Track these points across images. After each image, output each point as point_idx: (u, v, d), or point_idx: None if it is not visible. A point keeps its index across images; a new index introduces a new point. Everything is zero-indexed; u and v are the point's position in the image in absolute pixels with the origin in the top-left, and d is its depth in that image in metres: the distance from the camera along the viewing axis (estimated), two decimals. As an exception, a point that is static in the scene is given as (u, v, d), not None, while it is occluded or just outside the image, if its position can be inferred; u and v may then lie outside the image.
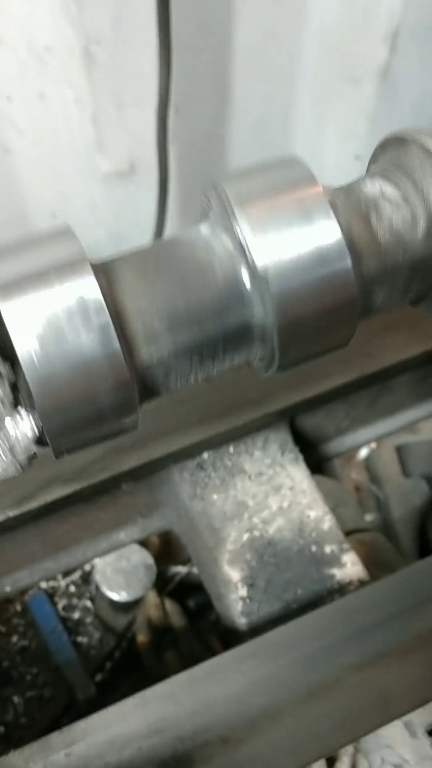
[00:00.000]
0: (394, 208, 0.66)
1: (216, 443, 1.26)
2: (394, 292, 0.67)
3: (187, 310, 0.61)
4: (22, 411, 0.56)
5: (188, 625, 1.51)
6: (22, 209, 2.34)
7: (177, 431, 1.22)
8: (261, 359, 0.66)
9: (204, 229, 0.64)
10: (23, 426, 0.55)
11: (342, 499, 1.55)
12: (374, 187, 0.68)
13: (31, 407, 0.56)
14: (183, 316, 0.61)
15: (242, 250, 0.60)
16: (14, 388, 0.56)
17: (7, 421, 0.55)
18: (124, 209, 2.40)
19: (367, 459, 1.75)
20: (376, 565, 1.35)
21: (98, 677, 1.51)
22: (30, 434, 0.56)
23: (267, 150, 2.57)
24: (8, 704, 1.48)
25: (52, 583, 1.58)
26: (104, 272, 0.60)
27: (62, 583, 1.59)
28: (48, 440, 0.58)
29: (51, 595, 1.58)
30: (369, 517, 1.71)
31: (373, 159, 0.77)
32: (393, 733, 1.15)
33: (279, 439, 1.28)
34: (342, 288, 0.61)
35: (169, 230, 2.33)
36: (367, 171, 0.77)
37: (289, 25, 2.22)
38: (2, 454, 0.56)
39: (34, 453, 0.59)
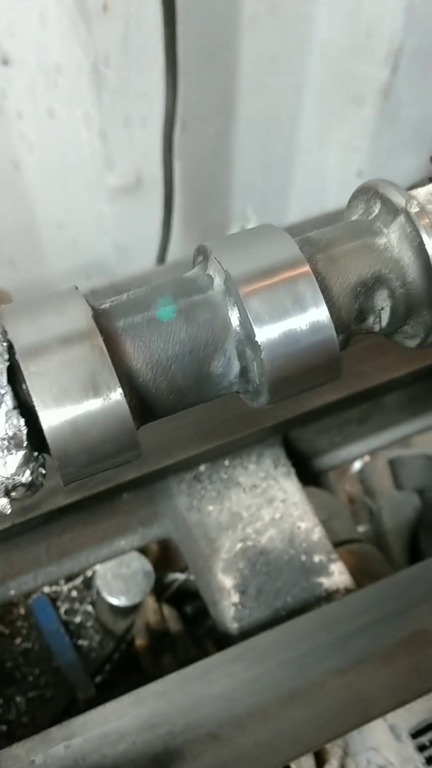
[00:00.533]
0: (385, 302, 0.73)
1: (212, 456, 1.31)
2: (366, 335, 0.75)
3: (191, 367, 0.68)
4: (40, 461, 0.63)
5: (185, 630, 1.56)
6: (31, 221, 2.39)
7: (175, 445, 1.28)
8: (249, 394, 0.73)
9: (215, 302, 0.70)
10: (39, 473, 0.63)
11: (335, 511, 1.59)
12: (373, 268, 0.74)
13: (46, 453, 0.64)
14: (186, 389, 0.69)
15: (249, 336, 0.67)
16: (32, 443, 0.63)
17: (27, 472, 0.63)
18: (130, 222, 2.45)
19: (361, 472, 1.79)
20: (366, 574, 1.40)
21: (98, 678, 1.54)
22: (41, 478, 0.63)
23: (271, 167, 2.61)
24: (11, 703, 1.52)
25: (54, 588, 1.62)
26: (113, 338, 0.66)
27: (64, 588, 1.63)
28: (62, 479, 0.65)
29: (54, 599, 1.62)
30: (362, 529, 1.75)
31: (361, 193, 0.82)
32: (378, 736, 1.20)
33: (272, 454, 1.34)
34: (329, 370, 0.70)
35: (174, 243, 2.37)
36: (351, 206, 0.83)
37: (293, 46, 2.27)
38: (22, 494, 0.63)
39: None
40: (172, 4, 1.76)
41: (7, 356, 0.61)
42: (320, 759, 1.24)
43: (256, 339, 0.66)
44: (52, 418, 0.60)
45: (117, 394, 0.61)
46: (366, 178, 2.33)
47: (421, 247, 0.71)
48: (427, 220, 0.71)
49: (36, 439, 0.62)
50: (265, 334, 0.66)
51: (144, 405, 0.68)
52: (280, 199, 2.74)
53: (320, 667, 1.05)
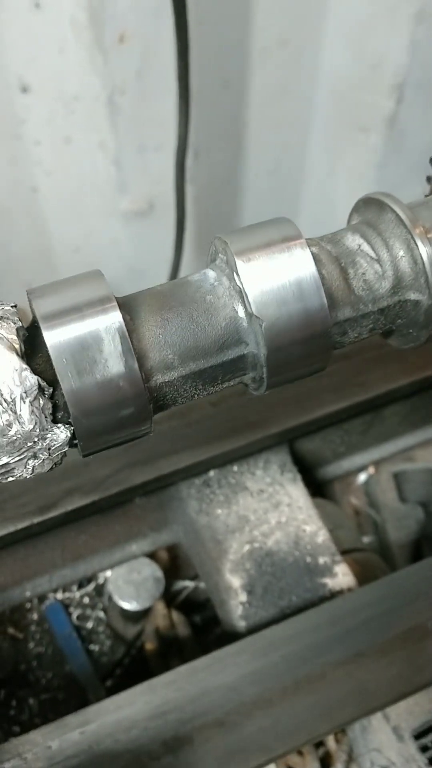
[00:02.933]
0: (369, 265, 0.79)
1: (221, 462, 1.37)
2: (363, 332, 0.80)
3: (195, 345, 0.73)
4: (61, 425, 0.68)
5: (193, 636, 1.60)
6: (48, 244, 2.44)
7: (185, 451, 1.34)
8: (253, 381, 0.79)
9: (211, 275, 0.77)
10: (60, 434, 0.68)
11: (340, 521, 1.63)
12: (354, 243, 0.81)
13: (66, 418, 0.69)
14: (191, 349, 0.73)
15: (242, 298, 0.73)
16: (54, 404, 0.68)
17: (48, 430, 0.68)
18: (143, 246, 2.49)
19: (366, 484, 1.82)
20: (369, 582, 1.44)
21: (109, 682, 1.58)
22: (65, 439, 0.68)
23: (281, 194, 2.67)
24: (24, 705, 1.56)
25: (67, 594, 1.67)
26: (127, 308, 0.72)
27: (77, 594, 1.68)
28: (79, 443, 0.70)
29: (66, 605, 1.67)
30: (367, 540, 1.79)
31: (355, 209, 0.89)
32: (381, 737, 1.23)
33: (279, 460, 1.40)
34: (320, 331, 0.74)
35: (186, 266, 2.41)
36: (348, 221, 0.90)
37: (301, 77, 2.32)
38: (42, 454, 0.68)
39: (65, 453, 0.72)
40: (185, 36, 1.82)
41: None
42: (325, 763, 1.28)
43: (263, 330, 0.72)
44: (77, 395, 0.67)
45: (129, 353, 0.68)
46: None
47: (415, 253, 0.77)
48: (421, 230, 0.77)
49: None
50: (270, 327, 0.72)
51: (151, 361, 0.73)
52: (288, 224, 2.79)
53: (322, 659, 1.10)
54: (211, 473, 1.37)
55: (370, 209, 0.84)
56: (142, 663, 1.60)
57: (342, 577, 1.28)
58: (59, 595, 1.66)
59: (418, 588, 1.18)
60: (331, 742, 1.28)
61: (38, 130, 2.09)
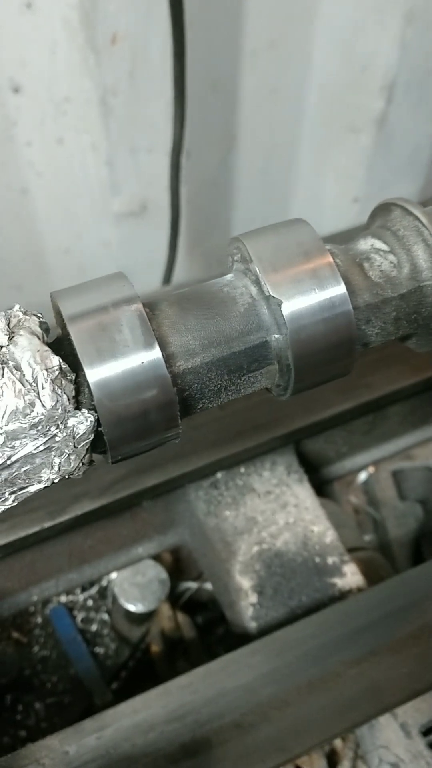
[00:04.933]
0: (383, 258, 0.80)
1: (228, 464, 1.38)
2: (387, 322, 0.81)
3: (216, 330, 0.74)
4: (84, 410, 0.68)
5: (198, 637, 1.60)
6: (39, 246, 2.43)
7: (193, 453, 1.34)
8: (278, 386, 0.79)
9: (227, 276, 0.78)
10: (84, 419, 0.68)
11: (341, 520, 1.64)
12: (366, 244, 0.82)
13: (90, 404, 0.69)
14: (212, 334, 0.74)
15: (257, 281, 0.74)
16: (77, 389, 0.68)
17: (71, 413, 0.68)
18: (135, 247, 2.49)
19: (366, 483, 1.83)
20: (372, 580, 1.45)
21: (114, 685, 1.58)
22: (89, 426, 0.68)
23: (271, 193, 2.67)
24: (30, 710, 1.56)
25: (71, 598, 1.67)
26: (149, 304, 0.73)
27: (81, 597, 1.67)
28: (105, 435, 0.70)
29: (71, 608, 1.67)
30: (367, 538, 1.80)
31: (366, 226, 0.90)
32: (389, 734, 1.24)
33: (285, 461, 1.41)
34: (341, 310, 0.75)
35: (179, 268, 2.41)
36: (370, 221, 0.90)
37: (291, 78, 2.33)
38: (67, 448, 0.68)
39: (92, 459, 0.71)
40: (182, 38, 1.82)
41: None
42: (332, 760, 1.29)
43: (282, 310, 0.72)
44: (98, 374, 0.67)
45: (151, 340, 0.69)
46: (362, 204, 2.41)
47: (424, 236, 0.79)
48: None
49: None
50: (289, 308, 0.73)
51: (172, 346, 0.74)
52: (279, 223, 2.80)
53: (335, 659, 1.10)
54: (219, 475, 1.38)
55: (380, 215, 0.85)
56: (147, 665, 1.60)
57: (351, 576, 1.29)
58: (63, 598, 1.66)
59: (429, 587, 1.19)
60: (337, 739, 1.29)
61: (30, 131, 2.09)
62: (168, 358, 0.71)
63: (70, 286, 0.75)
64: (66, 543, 1.37)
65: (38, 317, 0.69)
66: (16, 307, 0.70)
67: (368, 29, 2.19)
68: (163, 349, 0.70)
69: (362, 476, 1.80)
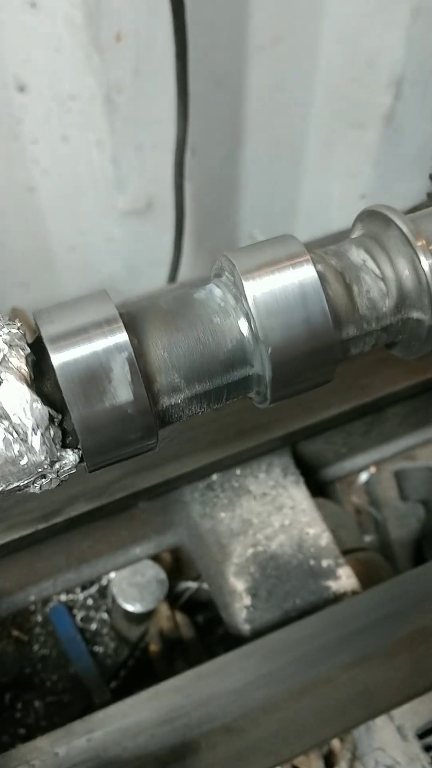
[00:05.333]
0: (374, 282, 0.79)
1: (224, 466, 1.38)
2: (366, 347, 0.81)
3: (202, 367, 0.74)
4: (70, 450, 0.69)
5: (197, 637, 1.61)
6: (45, 244, 2.44)
7: (189, 454, 1.34)
8: (257, 395, 0.79)
9: (217, 293, 0.76)
10: (70, 457, 0.69)
11: (342, 521, 1.64)
12: (359, 257, 0.81)
13: (75, 443, 0.69)
14: (198, 371, 0.74)
15: (249, 321, 0.73)
16: (63, 430, 0.69)
17: (58, 457, 0.68)
18: (141, 244, 2.49)
19: (367, 483, 1.83)
20: (372, 581, 1.44)
21: (113, 684, 1.59)
22: (74, 462, 0.69)
23: (277, 190, 2.67)
24: (29, 708, 1.57)
25: (71, 596, 1.68)
26: (134, 328, 0.72)
27: (81, 596, 1.68)
28: (86, 463, 0.71)
29: (70, 607, 1.67)
30: (368, 538, 1.80)
31: (359, 219, 0.89)
32: (385, 736, 1.24)
33: (282, 463, 1.40)
34: (326, 352, 0.75)
35: (185, 265, 2.41)
36: (352, 230, 0.89)
37: (297, 74, 2.32)
38: (51, 476, 0.69)
39: (74, 472, 0.72)
40: (184, 36, 1.82)
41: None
42: (329, 762, 1.29)
43: (260, 336, 0.72)
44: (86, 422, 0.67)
45: (143, 394, 0.68)
46: (369, 200, 2.40)
47: (415, 265, 0.78)
48: (423, 243, 0.78)
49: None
50: (277, 352, 0.72)
51: (158, 384, 0.73)
52: (285, 221, 2.80)
53: (328, 663, 1.10)
54: (215, 477, 1.38)
55: (375, 222, 0.83)
56: (146, 664, 1.61)
57: (345, 579, 1.28)
58: (63, 598, 1.67)
59: (424, 590, 1.19)
60: (335, 741, 1.28)
61: (35, 129, 2.09)
62: (153, 396, 0.71)
63: (54, 307, 0.73)
64: (64, 543, 1.38)
65: (23, 350, 0.67)
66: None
67: (374, 25, 2.17)
68: (149, 389, 0.70)
69: (364, 477, 1.80)
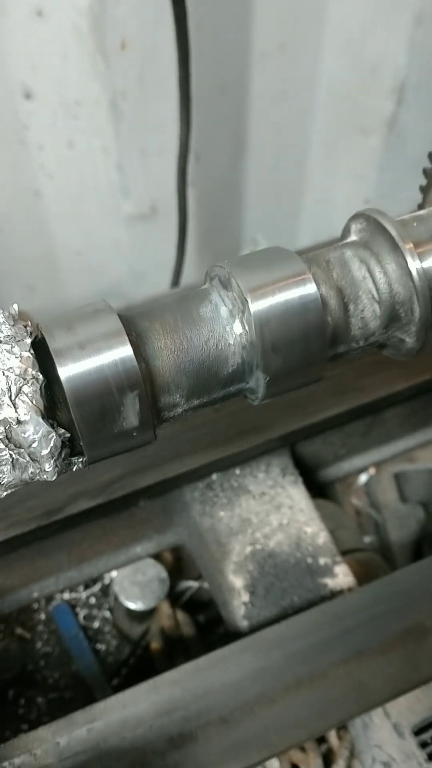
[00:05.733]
0: (370, 304, 0.82)
1: (224, 466, 1.40)
2: (351, 357, 0.86)
3: (201, 387, 0.77)
4: (74, 459, 0.73)
5: (198, 635, 1.63)
6: (51, 247, 2.47)
7: (189, 454, 1.36)
8: (250, 393, 0.82)
9: (224, 313, 0.78)
10: (73, 465, 0.73)
11: (342, 521, 1.65)
12: (360, 273, 0.82)
13: (80, 453, 0.73)
14: (198, 390, 0.77)
15: (253, 351, 0.76)
16: (71, 446, 0.72)
17: (66, 467, 0.72)
18: (146, 249, 2.52)
19: (367, 485, 1.84)
20: (370, 581, 1.47)
21: (115, 681, 1.61)
22: (78, 467, 0.73)
23: (282, 195, 2.69)
24: (32, 704, 1.59)
25: (74, 595, 1.70)
26: (143, 351, 0.74)
27: (83, 595, 1.70)
28: (87, 459, 0.74)
29: (73, 605, 1.69)
30: (368, 539, 1.81)
31: (354, 220, 0.90)
32: (382, 733, 1.26)
33: (280, 463, 1.43)
34: (315, 366, 0.79)
35: (188, 269, 2.43)
36: (348, 229, 0.91)
37: (301, 80, 2.34)
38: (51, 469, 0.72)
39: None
40: (186, 43, 1.84)
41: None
42: (328, 760, 1.31)
43: (261, 364, 0.75)
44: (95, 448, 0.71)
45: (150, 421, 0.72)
46: (373, 204, 2.40)
47: (406, 269, 0.80)
48: (411, 245, 0.80)
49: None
50: (270, 359, 0.76)
51: (161, 403, 0.76)
52: (289, 226, 2.81)
53: (323, 658, 1.12)
54: (214, 476, 1.40)
55: (378, 238, 0.84)
56: (147, 662, 1.63)
57: (342, 577, 1.30)
58: (66, 596, 1.69)
59: (417, 587, 1.21)
60: (333, 738, 1.30)
61: (41, 135, 2.12)
62: (155, 413, 0.75)
63: (64, 330, 0.74)
64: (65, 541, 1.40)
65: (37, 380, 0.69)
66: (11, 362, 0.70)
67: (377, 30, 2.19)
68: (150, 404, 0.73)
69: (363, 478, 1.82)
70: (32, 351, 0.70)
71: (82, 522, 1.35)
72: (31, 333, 0.71)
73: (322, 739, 1.29)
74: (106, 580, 1.69)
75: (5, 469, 0.68)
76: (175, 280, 2.44)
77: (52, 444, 0.69)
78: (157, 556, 1.61)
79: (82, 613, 1.69)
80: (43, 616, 1.68)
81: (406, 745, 1.25)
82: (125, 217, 2.39)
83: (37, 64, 1.96)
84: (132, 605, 1.58)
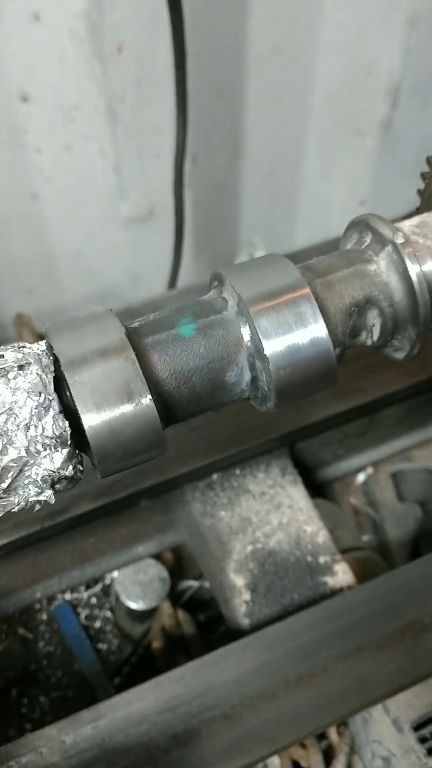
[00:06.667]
0: (374, 320, 0.85)
1: (224, 466, 1.42)
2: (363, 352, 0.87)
3: (208, 394, 0.80)
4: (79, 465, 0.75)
5: (199, 634, 1.64)
6: (49, 250, 2.48)
7: (189, 455, 1.38)
8: (258, 399, 0.84)
9: (234, 331, 0.80)
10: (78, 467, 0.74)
11: (340, 521, 1.67)
12: (364, 288, 0.85)
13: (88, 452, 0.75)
14: (204, 398, 0.80)
15: (265, 373, 0.78)
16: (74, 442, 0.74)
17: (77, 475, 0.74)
18: (143, 251, 2.53)
19: (365, 484, 1.86)
20: (368, 580, 1.49)
21: (116, 680, 1.62)
22: (80, 473, 0.75)
23: (278, 197, 2.70)
24: (35, 703, 1.60)
25: (75, 595, 1.71)
26: (143, 353, 0.76)
27: (85, 595, 1.71)
28: (100, 473, 0.76)
29: (75, 605, 1.71)
30: (366, 538, 1.83)
31: (353, 226, 0.92)
32: (382, 729, 1.28)
33: (280, 463, 1.44)
34: (325, 377, 0.81)
35: (185, 271, 2.45)
36: (346, 236, 0.93)
37: (296, 83, 2.35)
38: (61, 485, 0.74)
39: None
40: (182, 47, 1.86)
41: (53, 368, 0.72)
42: (328, 755, 1.33)
43: (265, 352, 0.76)
44: (92, 420, 0.71)
45: (147, 400, 0.72)
46: (369, 206, 2.43)
47: (405, 273, 0.82)
48: (411, 249, 0.82)
49: (77, 439, 0.72)
50: (272, 347, 0.76)
51: (168, 409, 0.78)
52: (285, 227, 2.83)
53: (323, 654, 1.14)
54: (215, 476, 1.42)
55: (376, 241, 0.86)
56: (149, 661, 1.64)
57: (342, 575, 1.32)
58: (68, 596, 1.70)
59: (416, 584, 1.22)
60: (333, 734, 1.32)
61: (39, 138, 2.13)
62: (158, 407, 0.75)
63: (64, 324, 0.77)
64: (68, 542, 1.42)
65: (60, 412, 0.73)
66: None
67: (373, 34, 2.21)
68: (154, 399, 0.73)
69: (361, 478, 1.83)
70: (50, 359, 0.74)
71: (84, 522, 1.36)
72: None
73: (322, 736, 1.31)
74: (108, 580, 1.70)
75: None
76: (172, 282, 2.45)
77: (71, 460, 0.72)
78: (157, 556, 1.62)
79: (83, 612, 1.70)
80: (45, 616, 1.69)
81: (406, 741, 1.26)
82: (123, 220, 2.40)
83: (35, 68, 1.97)
84: (133, 605, 1.59)
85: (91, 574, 1.46)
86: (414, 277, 0.81)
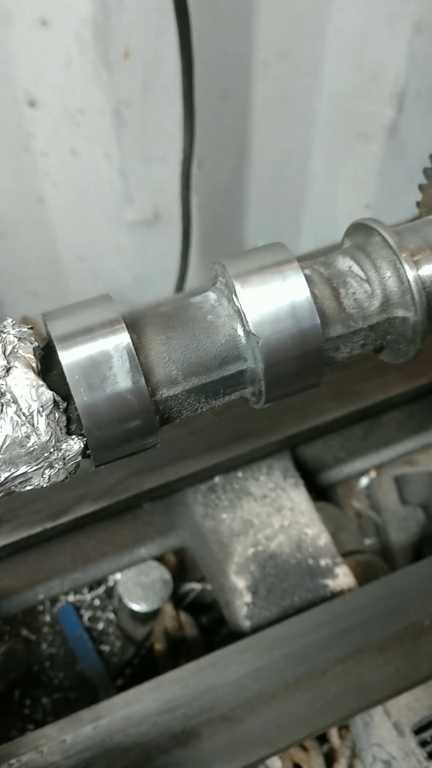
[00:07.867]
0: (359, 285, 0.84)
1: (226, 469, 1.43)
2: (356, 347, 0.86)
3: (197, 361, 0.79)
4: (74, 437, 0.74)
5: (201, 636, 1.64)
6: (55, 253, 2.49)
7: (191, 458, 1.39)
8: (253, 395, 0.84)
9: (212, 297, 0.82)
10: (74, 444, 0.74)
11: (342, 524, 1.67)
12: (345, 264, 0.86)
13: (79, 431, 0.74)
14: (194, 365, 0.79)
15: (240, 318, 0.78)
16: (68, 417, 0.74)
17: (63, 441, 0.73)
18: (149, 255, 2.54)
19: (368, 488, 1.86)
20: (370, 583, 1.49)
21: (119, 682, 1.63)
22: (78, 450, 0.74)
23: (283, 201, 2.70)
24: (37, 704, 1.61)
25: (78, 597, 1.71)
26: (134, 327, 0.78)
27: (88, 597, 1.72)
28: (91, 454, 0.75)
29: (78, 607, 1.71)
30: (368, 541, 1.83)
31: (346, 235, 0.94)
32: (383, 732, 1.28)
33: (281, 466, 1.45)
34: (314, 346, 0.80)
35: (191, 275, 2.45)
36: (341, 245, 0.94)
37: (302, 87, 2.35)
38: (58, 464, 0.74)
39: (78, 463, 0.77)
40: (189, 50, 1.86)
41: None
42: (330, 759, 1.33)
43: (251, 329, 0.77)
44: (84, 397, 0.72)
45: (139, 379, 0.74)
46: (374, 210, 2.42)
47: (403, 276, 0.83)
48: (407, 254, 0.83)
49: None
50: (255, 313, 0.78)
51: (161, 396, 0.79)
52: (291, 231, 2.83)
53: (322, 657, 1.15)
54: (217, 479, 1.42)
55: (360, 234, 0.89)
56: (151, 663, 1.64)
57: (342, 578, 1.33)
58: (71, 598, 1.71)
59: (416, 587, 1.23)
60: (335, 738, 1.32)
61: (45, 142, 2.14)
62: (152, 387, 0.77)
63: (61, 308, 0.79)
64: (70, 543, 1.42)
65: (31, 343, 0.73)
66: (9, 325, 0.75)
67: (378, 38, 2.21)
68: (148, 380, 0.75)
69: (364, 481, 1.83)
70: (30, 329, 0.76)
71: (86, 524, 1.37)
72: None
73: (323, 739, 1.31)
74: (110, 583, 1.71)
75: None
76: (179, 285, 2.46)
77: (43, 398, 0.71)
78: (160, 558, 1.63)
79: (86, 614, 1.71)
80: (48, 618, 1.69)
81: (406, 744, 1.26)
82: (128, 224, 2.40)
83: (41, 73, 1.98)
84: (136, 607, 1.59)
85: (93, 576, 1.46)
86: (411, 281, 0.82)
